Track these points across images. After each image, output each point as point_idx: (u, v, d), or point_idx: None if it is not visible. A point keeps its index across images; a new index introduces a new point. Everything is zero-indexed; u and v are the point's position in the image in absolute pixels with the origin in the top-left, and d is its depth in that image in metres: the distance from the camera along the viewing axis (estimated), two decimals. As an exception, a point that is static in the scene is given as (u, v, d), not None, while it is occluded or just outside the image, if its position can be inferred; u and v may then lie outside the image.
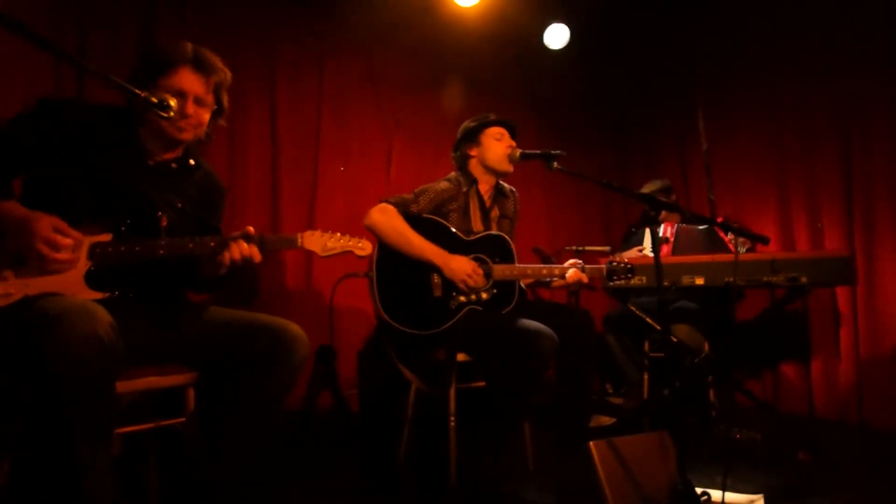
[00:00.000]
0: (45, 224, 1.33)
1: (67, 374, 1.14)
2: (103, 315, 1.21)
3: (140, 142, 1.58)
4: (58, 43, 1.88)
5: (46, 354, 1.14)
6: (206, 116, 1.61)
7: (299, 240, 1.60)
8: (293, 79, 3.38)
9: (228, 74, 1.64)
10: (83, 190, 1.46)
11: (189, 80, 1.54)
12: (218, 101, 1.64)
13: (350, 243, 1.65)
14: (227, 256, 1.49)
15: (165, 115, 1.41)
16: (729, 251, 2.87)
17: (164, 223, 1.55)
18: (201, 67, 1.56)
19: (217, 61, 1.60)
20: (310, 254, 3.30)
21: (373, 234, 2.17)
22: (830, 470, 2.27)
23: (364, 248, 1.68)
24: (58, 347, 1.14)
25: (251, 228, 1.53)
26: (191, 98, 1.54)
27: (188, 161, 1.67)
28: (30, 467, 1.18)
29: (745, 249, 2.89)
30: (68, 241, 1.36)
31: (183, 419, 1.59)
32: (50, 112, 1.50)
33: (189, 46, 1.56)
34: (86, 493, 1.18)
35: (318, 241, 1.62)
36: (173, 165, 1.64)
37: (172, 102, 1.41)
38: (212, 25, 3.11)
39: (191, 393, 1.60)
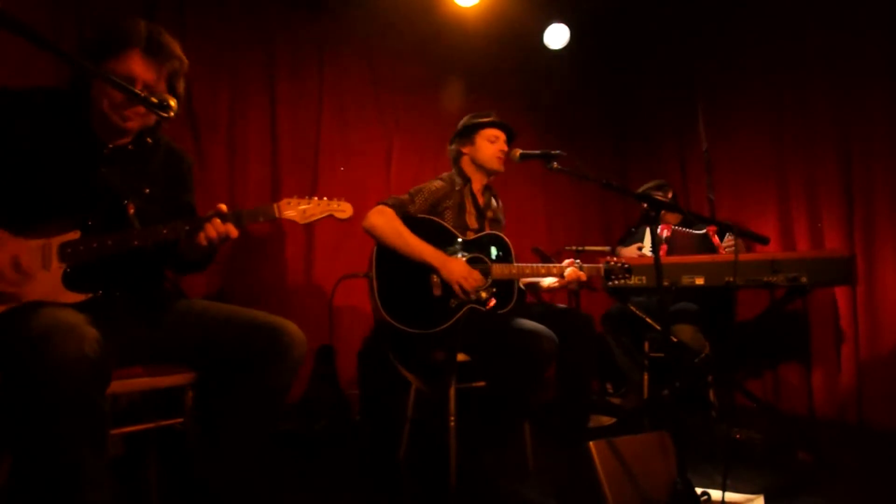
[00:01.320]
0: (4, 259, 1.29)
1: (57, 393, 1.12)
2: (89, 331, 1.17)
3: (92, 128, 1.49)
4: (58, 43, 1.87)
5: (35, 375, 1.11)
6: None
7: (276, 210, 1.55)
8: (293, 79, 3.38)
9: (185, 62, 1.53)
10: (41, 187, 1.39)
11: (138, 66, 1.42)
12: (171, 88, 1.53)
13: (330, 206, 1.61)
14: (202, 237, 1.45)
15: (165, 115, 1.37)
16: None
17: (132, 211, 1.48)
18: (154, 53, 1.45)
19: (174, 46, 1.49)
20: (310, 252, 3.31)
21: (371, 236, 2.17)
22: (830, 470, 2.27)
23: (344, 210, 1.64)
24: (46, 368, 1.10)
25: (223, 206, 1.49)
26: (139, 85, 1.42)
27: (145, 140, 1.57)
28: (28, 473, 1.18)
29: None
30: (16, 276, 1.31)
31: (182, 419, 1.59)
32: None
33: (142, 27, 1.45)
34: (83, 499, 1.17)
35: (297, 209, 1.57)
36: (130, 148, 1.54)
37: (173, 103, 1.38)
38: (211, 25, 3.11)
39: (190, 393, 1.59)
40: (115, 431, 1.49)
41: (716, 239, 3.01)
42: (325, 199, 1.62)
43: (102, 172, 1.48)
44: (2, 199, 1.38)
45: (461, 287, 2.13)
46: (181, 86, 1.56)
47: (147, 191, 1.55)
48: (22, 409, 1.13)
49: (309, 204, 1.59)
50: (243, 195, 3.17)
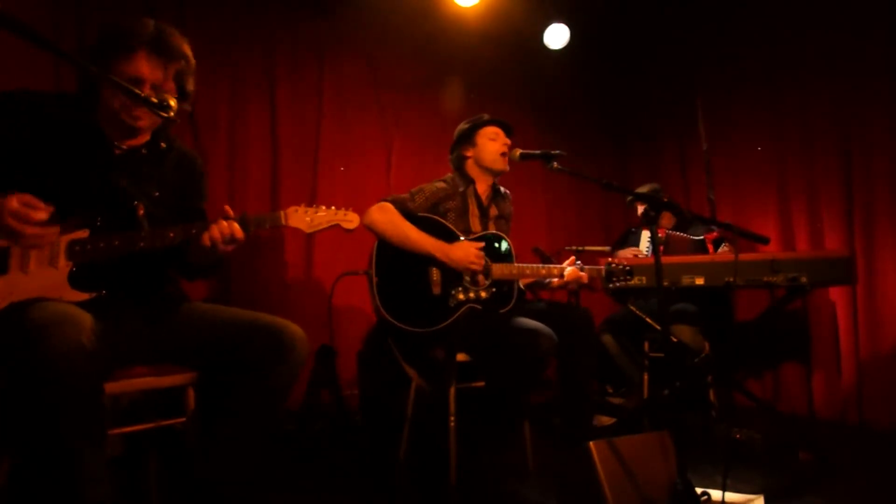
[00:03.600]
0: (13, 200, 1.28)
1: (54, 382, 1.13)
2: (87, 322, 1.19)
3: (101, 129, 1.50)
4: (58, 43, 1.87)
5: (33, 366, 1.13)
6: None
7: (283, 217, 1.56)
8: (293, 79, 3.38)
9: (192, 61, 1.54)
10: (52, 186, 1.40)
11: (145, 66, 1.43)
12: (180, 87, 1.54)
13: (337, 216, 1.61)
14: (206, 237, 1.45)
15: (166, 114, 1.38)
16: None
17: (142, 212, 1.49)
18: (161, 52, 1.45)
19: (181, 44, 1.50)
20: (310, 252, 3.31)
21: (372, 232, 2.18)
22: (830, 470, 2.27)
23: (351, 220, 1.64)
24: (44, 359, 1.12)
25: (228, 207, 1.49)
26: (147, 85, 1.44)
27: (159, 145, 1.59)
28: (28, 467, 1.18)
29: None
30: (39, 214, 1.30)
31: (183, 419, 1.59)
32: (6, 105, 1.42)
33: (150, 26, 1.45)
34: (82, 495, 1.18)
35: (303, 217, 1.58)
36: (143, 152, 1.56)
37: (172, 102, 1.39)
38: (212, 25, 3.11)
39: (191, 393, 1.59)
40: (115, 431, 1.49)
41: (710, 248, 3.02)
42: (332, 208, 1.62)
43: (113, 174, 1.50)
44: None
45: (469, 268, 2.12)
46: (190, 84, 1.56)
47: (157, 194, 1.56)
48: (21, 399, 1.15)
49: (316, 213, 1.60)
50: (243, 195, 3.17)
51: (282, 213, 1.56)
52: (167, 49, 1.46)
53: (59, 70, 2.58)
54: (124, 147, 1.53)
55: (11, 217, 1.27)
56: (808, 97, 3.34)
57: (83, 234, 1.41)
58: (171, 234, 1.45)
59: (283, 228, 3.17)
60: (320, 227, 1.60)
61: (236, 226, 1.48)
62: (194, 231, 1.46)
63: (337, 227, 1.63)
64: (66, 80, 2.61)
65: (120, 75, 1.40)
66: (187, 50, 1.52)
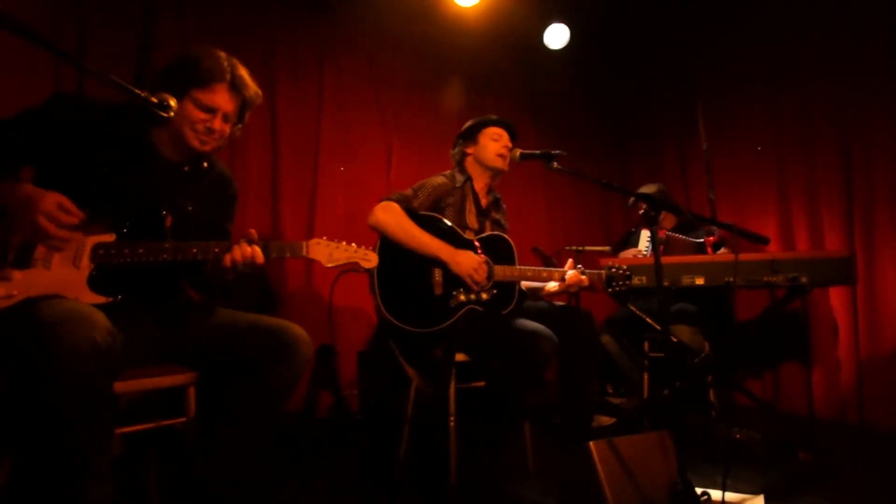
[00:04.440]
0: (51, 200, 1.32)
1: (65, 380, 1.14)
2: (101, 321, 1.20)
3: (153, 144, 1.56)
4: (58, 43, 1.87)
5: (45, 361, 1.13)
6: (229, 131, 1.62)
7: (304, 248, 1.58)
8: (293, 79, 3.38)
9: (260, 95, 1.65)
10: (89, 188, 1.44)
11: (224, 98, 1.55)
12: (241, 116, 1.65)
13: (357, 255, 1.63)
14: (228, 259, 1.48)
15: (165, 114, 1.39)
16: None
17: (169, 224, 1.53)
18: (238, 88, 1.58)
19: (251, 81, 1.61)
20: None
21: (377, 232, 2.18)
22: (830, 470, 2.27)
23: (370, 259, 1.65)
24: (55, 354, 1.13)
25: (253, 231, 1.52)
26: (220, 115, 1.55)
27: (201, 164, 1.66)
28: (29, 467, 1.18)
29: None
30: (71, 219, 1.34)
31: (183, 419, 1.59)
32: (62, 106, 1.47)
33: (226, 63, 1.57)
34: (85, 496, 1.18)
35: (324, 251, 1.59)
36: (185, 169, 1.62)
37: (172, 102, 1.40)
38: (212, 25, 3.11)
39: (191, 393, 1.59)
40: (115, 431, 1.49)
41: (710, 252, 3.02)
42: (353, 245, 1.64)
43: (150, 185, 1.53)
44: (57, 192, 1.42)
45: (472, 279, 2.13)
46: (248, 116, 1.67)
47: (189, 209, 1.60)
48: (29, 395, 1.15)
49: (337, 248, 1.61)
50: (243, 195, 3.13)
51: (304, 243, 1.58)
52: (243, 85, 1.59)
53: (59, 70, 2.58)
54: (168, 161, 1.58)
55: (43, 216, 1.30)
56: (808, 97, 3.34)
57: (109, 237, 1.44)
58: (195, 250, 1.49)
59: (280, 224, 3.22)
60: (339, 263, 1.61)
61: (258, 250, 1.51)
62: (216, 250, 1.49)
63: (356, 264, 1.64)
64: (66, 80, 2.61)
65: (196, 102, 1.51)
66: (254, 84, 1.63)
